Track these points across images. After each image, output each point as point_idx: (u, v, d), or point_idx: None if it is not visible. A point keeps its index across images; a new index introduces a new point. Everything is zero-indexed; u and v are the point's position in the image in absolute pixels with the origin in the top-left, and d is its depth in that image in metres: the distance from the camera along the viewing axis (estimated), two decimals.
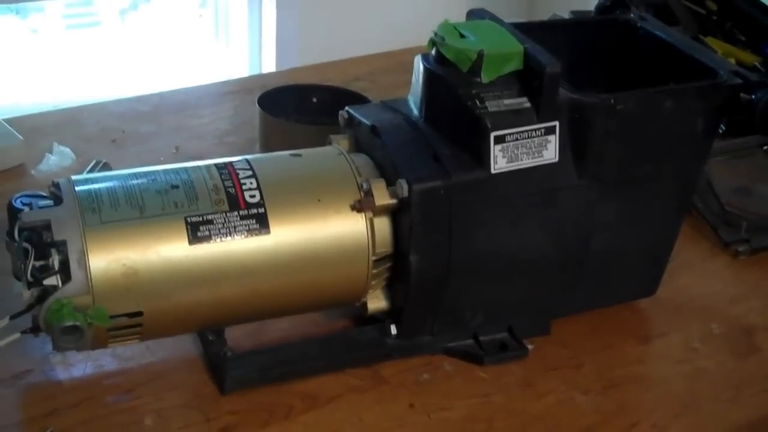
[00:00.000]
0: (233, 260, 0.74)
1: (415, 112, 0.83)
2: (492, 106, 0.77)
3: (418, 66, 0.82)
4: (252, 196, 0.75)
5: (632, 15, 0.97)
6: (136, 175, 0.76)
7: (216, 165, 0.77)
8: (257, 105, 1.11)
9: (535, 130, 0.78)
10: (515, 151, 0.77)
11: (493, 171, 0.77)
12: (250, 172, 0.77)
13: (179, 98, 1.30)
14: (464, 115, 0.78)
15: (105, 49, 2.76)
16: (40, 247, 0.70)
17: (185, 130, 1.21)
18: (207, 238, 0.73)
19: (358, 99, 1.13)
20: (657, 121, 0.82)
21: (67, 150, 1.11)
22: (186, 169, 0.76)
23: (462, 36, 0.80)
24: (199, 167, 0.77)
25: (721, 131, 1.14)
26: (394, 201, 0.77)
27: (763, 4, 1.39)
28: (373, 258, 0.78)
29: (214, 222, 0.73)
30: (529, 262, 0.82)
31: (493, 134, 0.77)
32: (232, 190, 0.75)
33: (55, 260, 0.70)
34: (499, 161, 0.77)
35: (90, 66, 2.69)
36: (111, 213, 0.72)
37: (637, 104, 0.80)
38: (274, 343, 0.82)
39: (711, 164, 1.08)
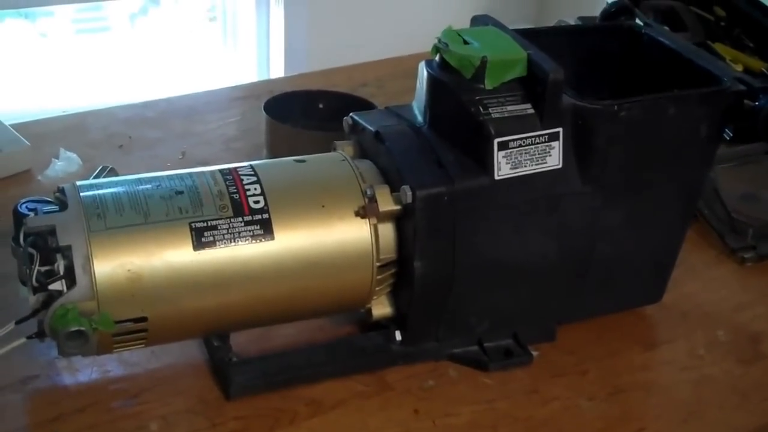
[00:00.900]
0: (237, 266, 0.74)
1: (419, 118, 0.83)
2: (495, 112, 0.77)
3: (422, 72, 0.82)
4: (256, 202, 0.75)
5: (637, 21, 0.97)
6: (140, 181, 0.76)
7: (220, 171, 0.78)
8: (263, 111, 1.11)
9: (538, 136, 0.78)
10: (519, 158, 0.77)
11: (496, 177, 0.77)
12: (254, 178, 0.77)
13: (186, 103, 1.31)
14: (468, 121, 0.78)
15: (114, 54, 2.77)
16: (45, 253, 0.71)
17: (192, 136, 1.21)
18: (211, 244, 0.73)
19: (364, 105, 1.13)
20: (661, 127, 0.81)
21: (74, 156, 1.11)
22: (190, 175, 0.77)
23: (465, 42, 0.80)
24: (203, 173, 0.77)
25: (728, 138, 1.14)
26: (398, 207, 0.77)
27: None
28: (378, 264, 0.78)
29: (219, 228, 0.74)
30: (533, 269, 0.82)
31: (496, 140, 0.77)
32: (236, 196, 0.75)
33: (60, 265, 0.71)
34: (503, 167, 0.77)
35: (99, 71, 2.69)
36: (116, 218, 0.72)
37: (641, 111, 0.80)
38: (279, 348, 0.82)
39: (717, 171, 1.08)
